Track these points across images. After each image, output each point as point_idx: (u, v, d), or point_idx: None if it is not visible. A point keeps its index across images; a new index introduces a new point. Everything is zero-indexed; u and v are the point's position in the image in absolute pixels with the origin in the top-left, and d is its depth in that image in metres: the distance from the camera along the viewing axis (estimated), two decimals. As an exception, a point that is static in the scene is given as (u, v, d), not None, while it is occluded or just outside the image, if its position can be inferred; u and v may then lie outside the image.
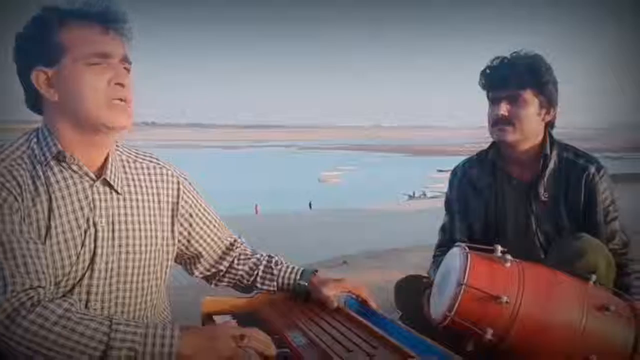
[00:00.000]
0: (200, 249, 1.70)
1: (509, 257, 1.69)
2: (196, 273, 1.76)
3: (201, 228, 1.68)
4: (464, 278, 1.63)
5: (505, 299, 1.61)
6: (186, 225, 1.65)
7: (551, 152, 2.16)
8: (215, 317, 1.66)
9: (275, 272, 1.75)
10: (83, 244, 1.41)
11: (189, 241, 1.67)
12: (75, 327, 1.21)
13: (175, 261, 1.68)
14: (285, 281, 1.74)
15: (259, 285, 1.76)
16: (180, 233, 1.64)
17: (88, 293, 1.42)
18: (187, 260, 1.74)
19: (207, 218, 1.70)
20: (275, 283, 1.75)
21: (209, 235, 1.71)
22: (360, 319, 1.53)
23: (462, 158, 2.40)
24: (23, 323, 1.19)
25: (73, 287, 1.41)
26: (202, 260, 1.73)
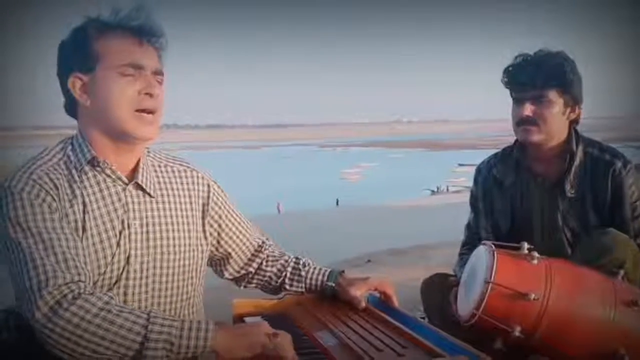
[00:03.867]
0: (229, 250, 1.74)
1: (535, 254, 1.69)
2: (226, 275, 1.79)
3: (230, 229, 1.72)
4: (490, 276, 1.64)
5: (533, 295, 1.61)
6: (216, 226, 1.68)
7: (577, 149, 2.14)
8: (247, 319, 1.69)
9: (303, 273, 1.77)
10: (118, 244, 1.46)
11: (218, 242, 1.71)
12: (115, 319, 1.24)
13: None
14: (313, 282, 1.77)
15: (287, 286, 1.79)
16: (210, 234, 1.67)
17: (125, 294, 1.47)
18: (217, 261, 1.77)
19: (236, 220, 1.73)
20: (303, 284, 1.77)
21: (238, 237, 1.74)
22: (389, 318, 1.54)
23: (483, 151, 2.38)
24: (65, 315, 1.23)
25: (110, 288, 1.45)
26: (231, 261, 1.76)
